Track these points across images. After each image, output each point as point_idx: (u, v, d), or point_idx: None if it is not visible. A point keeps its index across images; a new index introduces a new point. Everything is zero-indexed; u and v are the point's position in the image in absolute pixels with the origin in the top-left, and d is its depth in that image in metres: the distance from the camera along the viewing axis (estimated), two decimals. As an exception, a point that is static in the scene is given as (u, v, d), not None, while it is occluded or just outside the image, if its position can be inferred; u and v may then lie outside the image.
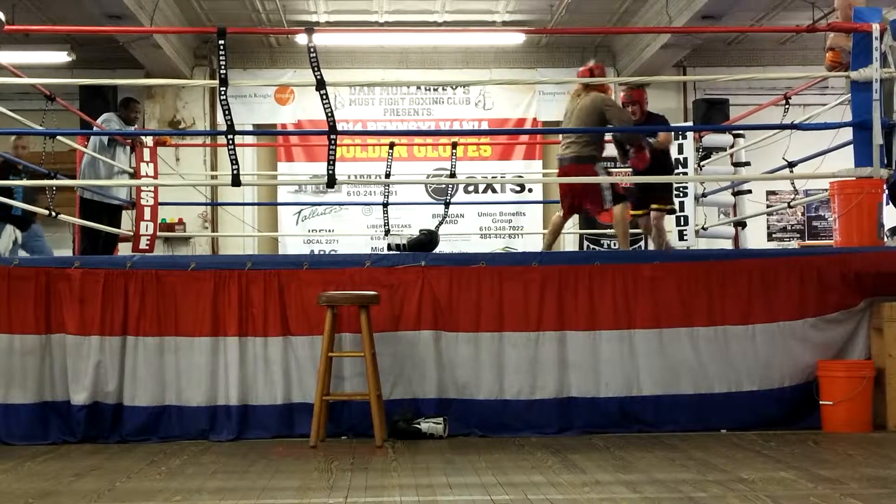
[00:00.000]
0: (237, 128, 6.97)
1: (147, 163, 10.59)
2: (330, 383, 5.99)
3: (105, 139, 10.22)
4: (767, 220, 15.92)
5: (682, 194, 10.35)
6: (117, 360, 6.24)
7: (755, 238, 13.56)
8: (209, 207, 15.04)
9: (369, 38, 14.79)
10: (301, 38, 12.41)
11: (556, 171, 8.42)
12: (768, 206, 14.11)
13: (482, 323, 6.37)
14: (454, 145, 11.04)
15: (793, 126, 7.79)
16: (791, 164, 8.70)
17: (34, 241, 10.47)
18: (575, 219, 15.22)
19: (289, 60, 15.68)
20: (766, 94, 13.93)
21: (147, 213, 10.67)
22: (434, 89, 15.64)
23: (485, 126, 15.78)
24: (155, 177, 10.64)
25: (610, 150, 9.04)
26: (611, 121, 7.95)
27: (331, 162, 6.92)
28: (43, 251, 10.38)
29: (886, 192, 7.15)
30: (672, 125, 9.18)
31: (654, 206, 8.95)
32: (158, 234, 11.22)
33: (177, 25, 14.00)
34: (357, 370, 6.23)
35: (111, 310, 6.27)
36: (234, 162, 6.86)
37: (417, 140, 14.92)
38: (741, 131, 10.97)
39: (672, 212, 9.20)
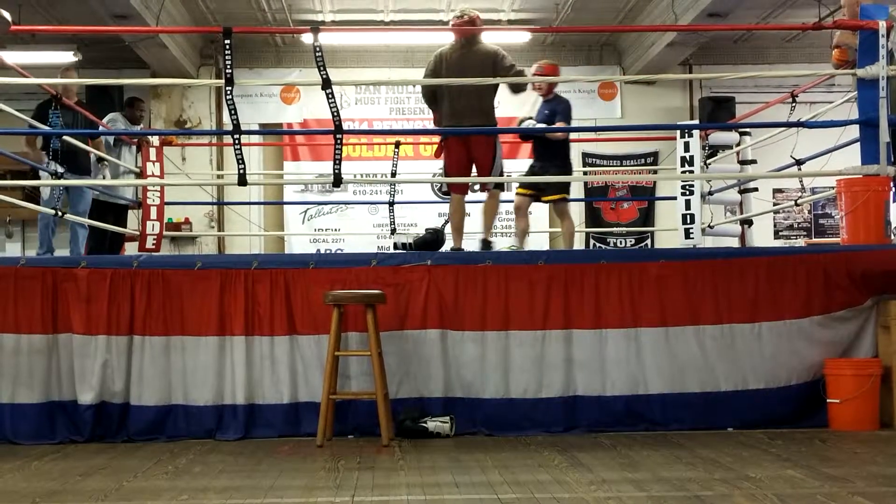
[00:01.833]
0: (243, 127, 6.99)
1: (153, 162, 10.61)
2: (336, 382, 5.98)
3: (111, 139, 10.24)
4: (774, 218, 15.88)
5: (688, 192, 10.31)
6: (124, 360, 6.25)
7: (762, 236, 13.51)
8: (215, 207, 15.06)
9: (375, 38, 14.79)
10: (307, 38, 12.42)
11: (446, 143, 8.07)
12: (775, 204, 14.10)
13: (488, 322, 6.37)
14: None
15: (799, 124, 7.79)
16: (798, 162, 8.68)
17: (77, 195, 9.86)
18: (582, 216, 15.31)
19: (295, 60, 15.68)
20: (773, 91, 13.89)
21: (153, 213, 10.68)
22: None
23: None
24: (161, 176, 10.65)
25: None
26: (500, 72, 7.80)
27: (337, 161, 6.93)
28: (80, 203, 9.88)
29: (893, 189, 7.14)
30: (572, 115, 9.04)
31: (554, 196, 8.78)
32: (165, 233, 11.22)
33: (183, 25, 14.01)
34: (363, 369, 6.23)
35: (118, 309, 6.28)
36: (240, 161, 6.87)
37: (423, 139, 14.88)
38: (747, 129, 10.95)
39: (564, 200, 9.00)
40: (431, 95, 8.03)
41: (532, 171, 8.89)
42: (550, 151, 8.75)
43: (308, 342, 6.33)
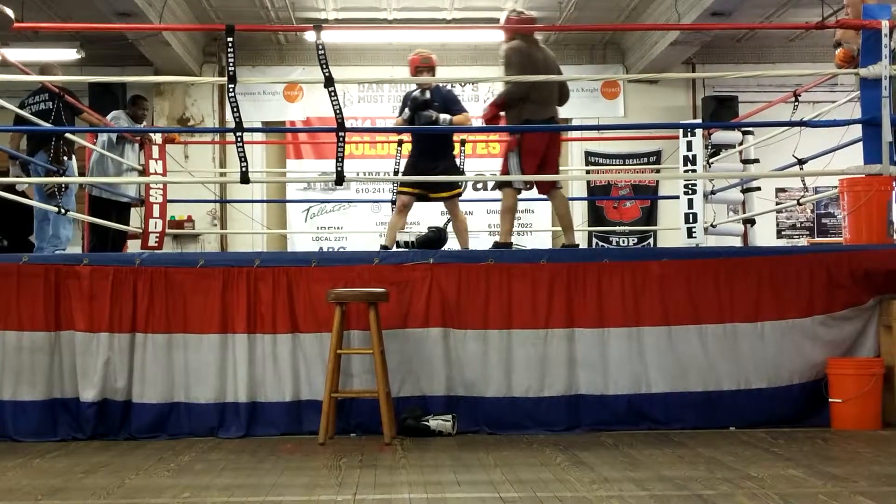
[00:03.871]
0: (246, 125, 6.98)
1: (156, 160, 10.62)
2: (338, 380, 5.99)
3: (114, 137, 10.25)
4: (777, 218, 15.88)
5: (691, 192, 10.32)
6: (126, 358, 6.26)
7: (764, 235, 13.53)
8: (218, 204, 15.06)
9: (378, 36, 14.80)
10: (310, 36, 12.41)
11: (530, 137, 7.82)
12: (777, 204, 14.08)
13: (490, 320, 6.37)
14: (463, 142, 11.00)
15: (802, 123, 7.78)
16: (800, 162, 8.68)
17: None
18: (584, 215, 15.30)
19: (297, 58, 15.67)
20: (776, 91, 13.90)
21: (156, 211, 10.68)
22: (443, 86, 15.65)
23: (494, 123, 15.74)
24: (164, 174, 10.66)
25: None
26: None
27: (339, 159, 6.93)
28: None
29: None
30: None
31: (444, 193, 8.52)
32: (167, 231, 11.23)
33: (185, 23, 14.01)
34: (365, 367, 6.24)
35: (120, 307, 6.28)
36: (242, 159, 6.87)
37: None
38: (750, 128, 10.95)
39: (459, 195, 8.72)
40: (527, 88, 7.74)
41: (419, 170, 8.45)
42: (440, 147, 8.49)
43: (310, 340, 6.33)
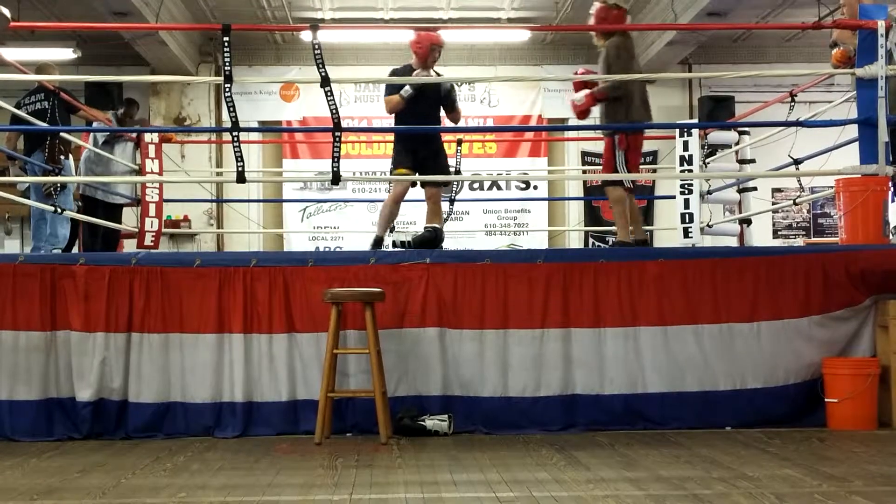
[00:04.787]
0: (242, 125, 6.98)
1: (152, 159, 10.61)
2: (335, 380, 5.98)
3: (100, 139, 10.27)
4: (773, 218, 15.90)
5: (687, 192, 10.32)
6: (122, 357, 6.25)
7: (760, 235, 13.52)
8: (214, 204, 15.07)
9: (374, 35, 14.81)
10: (306, 35, 12.42)
11: (635, 135, 7.84)
12: (774, 204, 14.09)
13: (487, 320, 6.36)
14: (459, 142, 10.98)
15: (798, 123, 7.78)
16: (796, 162, 8.68)
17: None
18: (581, 215, 15.31)
19: (294, 57, 15.68)
20: (772, 91, 13.89)
21: (152, 210, 10.67)
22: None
23: (490, 123, 15.77)
24: (160, 173, 10.65)
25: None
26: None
27: (336, 159, 6.92)
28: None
29: (892, 189, 7.14)
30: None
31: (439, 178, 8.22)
32: (164, 230, 11.22)
33: (182, 22, 14.02)
34: (362, 367, 6.23)
35: (116, 306, 6.27)
36: (239, 159, 6.86)
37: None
38: (746, 128, 10.96)
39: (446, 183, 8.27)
40: (632, 88, 7.54)
41: (416, 158, 8.10)
42: (435, 134, 8.26)
43: (307, 340, 6.32)
